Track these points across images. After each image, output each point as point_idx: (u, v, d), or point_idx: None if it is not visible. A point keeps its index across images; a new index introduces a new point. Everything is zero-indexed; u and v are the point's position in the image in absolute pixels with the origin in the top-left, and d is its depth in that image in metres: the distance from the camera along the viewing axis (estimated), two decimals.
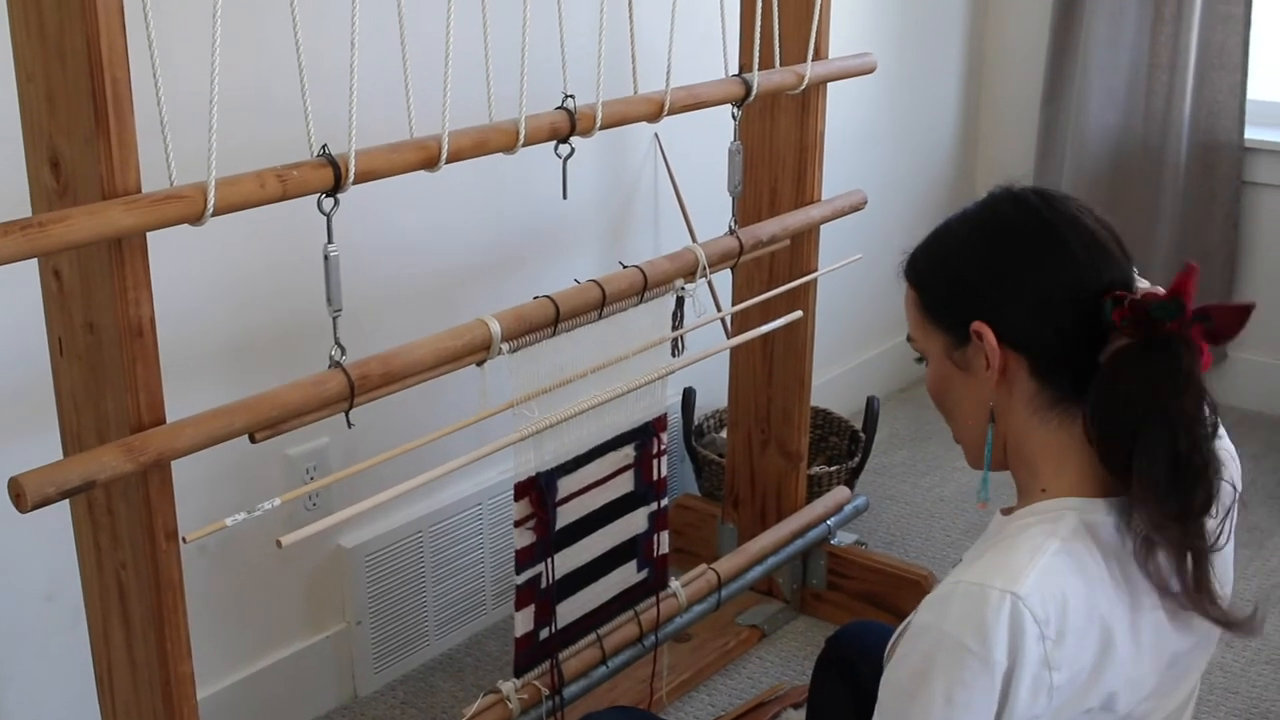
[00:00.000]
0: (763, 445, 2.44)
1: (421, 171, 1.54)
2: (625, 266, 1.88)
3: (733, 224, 2.07)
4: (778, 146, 2.27)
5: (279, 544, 1.48)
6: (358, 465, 1.59)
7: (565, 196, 1.76)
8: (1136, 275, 1.22)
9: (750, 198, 2.30)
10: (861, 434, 2.77)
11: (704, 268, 1.97)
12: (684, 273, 1.94)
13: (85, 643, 1.52)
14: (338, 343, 1.51)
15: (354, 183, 1.45)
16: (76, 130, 1.29)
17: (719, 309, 2.60)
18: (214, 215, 1.33)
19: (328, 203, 1.46)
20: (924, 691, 1.10)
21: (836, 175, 2.48)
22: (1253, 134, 3.32)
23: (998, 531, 1.21)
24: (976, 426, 1.24)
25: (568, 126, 1.71)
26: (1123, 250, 1.21)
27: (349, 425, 1.53)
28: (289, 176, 1.39)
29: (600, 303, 1.80)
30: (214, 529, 1.41)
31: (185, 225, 1.32)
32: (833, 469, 2.63)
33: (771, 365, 2.38)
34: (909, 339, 1.29)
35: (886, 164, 3.36)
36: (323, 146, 1.44)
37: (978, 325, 1.19)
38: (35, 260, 1.36)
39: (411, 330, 1.71)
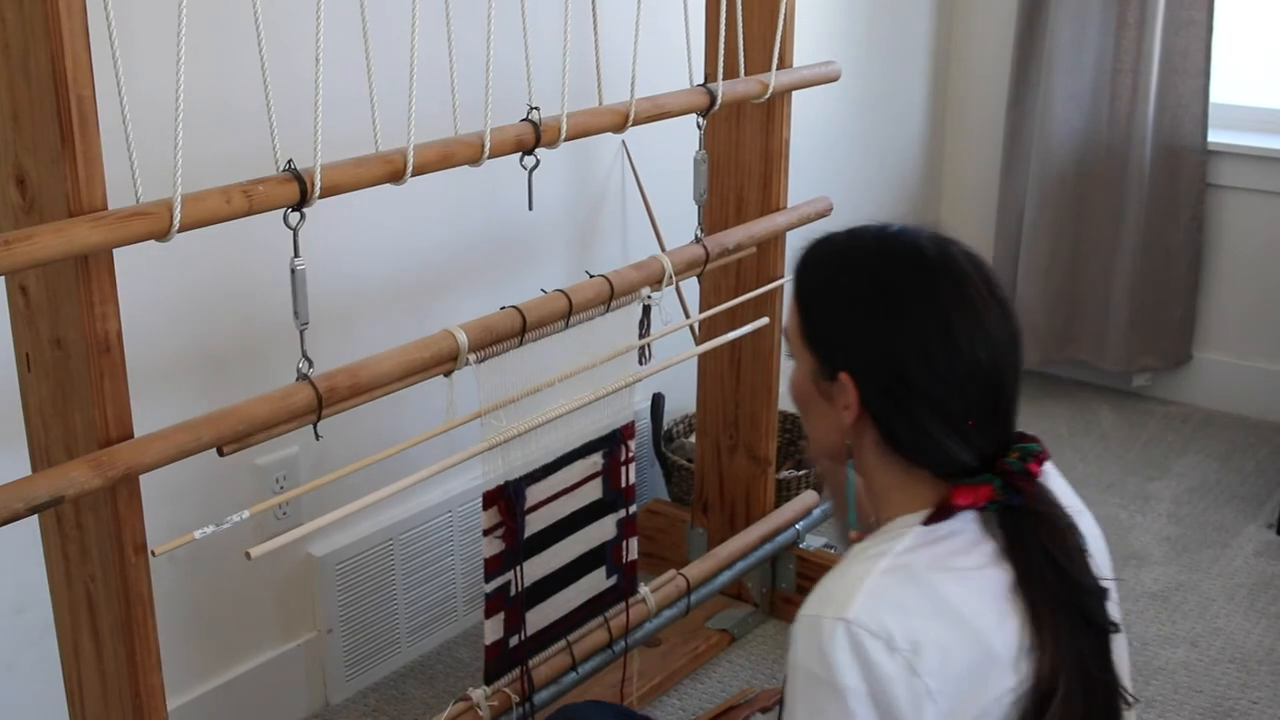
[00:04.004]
0: (731, 450, 2.46)
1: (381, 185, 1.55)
2: (592, 276, 1.90)
3: (699, 232, 2.08)
4: (743, 154, 2.29)
5: (248, 555, 1.49)
6: (326, 477, 1.60)
7: (531, 208, 1.78)
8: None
9: (716, 205, 2.32)
10: None
11: (670, 276, 1.98)
12: (650, 281, 1.96)
13: (56, 656, 1.53)
14: (305, 355, 1.52)
15: (319, 197, 1.46)
16: (42, 148, 1.30)
17: (687, 316, 2.61)
18: (180, 231, 1.34)
19: (294, 217, 1.47)
20: None
21: (802, 182, 2.50)
22: (1216, 137, 3.37)
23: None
24: (830, 448, 1.26)
25: (533, 139, 1.72)
26: (1010, 335, 1.19)
27: (317, 438, 1.54)
28: (254, 192, 1.40)
29: (567, 312, 1.82)
30: (182, 542, 1.42)
31: (151, 241, 1.34)
32: (801, 473, 2.65)
33: (739, 371, 2.41)
34: (785, 334, 1.28)
35: (853, 170, 3.38)
36: (288, 161, 1.45)
37: (844, 377, 1.19)
38: (1, 277, 1.37)
39: (378, 341, 1.73)
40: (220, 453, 1.45)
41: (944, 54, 3.71)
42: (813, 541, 2.53)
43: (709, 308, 2.30)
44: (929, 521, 1.17)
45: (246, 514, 1.49)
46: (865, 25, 3.34)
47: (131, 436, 1.39)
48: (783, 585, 2.50)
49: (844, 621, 1.10)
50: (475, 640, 2.44)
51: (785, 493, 2.59)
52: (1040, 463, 1.19)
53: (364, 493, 1.63)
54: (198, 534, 1.43)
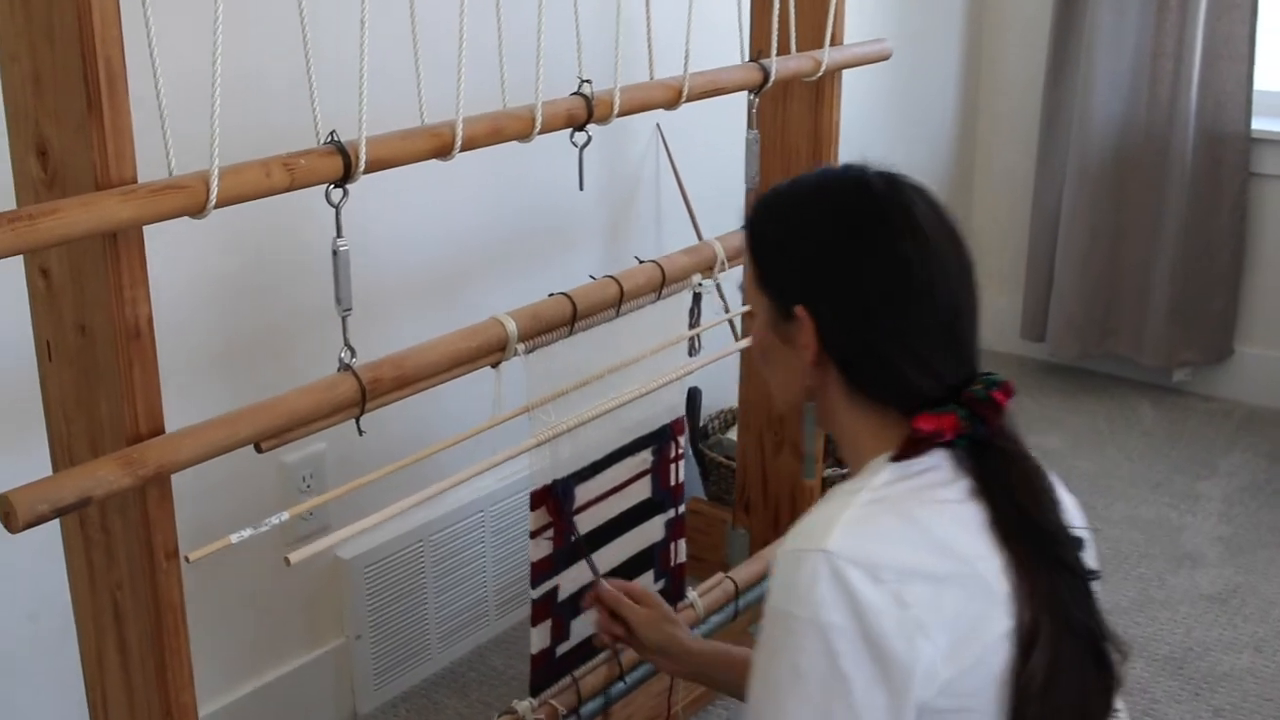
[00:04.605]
0: (776, 448, 2.34)
1: (414, 165, 1.43)
2: (641, 261, 1.79)
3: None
4: (790, 136, 2.18)
5: (288, 561, 1.38)
6: (364, 478, 1.48)
7: (581, 188, 1.67)
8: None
9: (762, 189, 2.20)
10: None
11: (723, 262, 1.87)
12: (702, 268, 1.85)
13: (73, 665, 1.42)
14: (347, 344, 1.41)
15: (364, 172, 1.35)
16: (66, 115, 1.18)
17: (727, 308, 2.50)
18: (216, 207, 1.23)
19: (336, 194, 1.36)
20: (772, 671, 1.06)
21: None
22: (1259, 125, 3.27)
23: None
24: (792, 395, 1.23)
25: (584, 113, 1.61)
26: (961, 263, 1.15)
27: (360, 433, 1.43)
28: (296, 165, 1.29)
29: (618, 300, 1.71)
30: (218, 547, 1.30)
31: (180, 219, 1.22)
32: (844, 470, 2.53)
33: None
34: (741, 288, 1.21)
35: (879, 154, 3.26)
36: (331, 133, 1.34)
37: (799, 310, 1.15)
38: (19, 258, 1.26)
39: (405, 330, 1.62)
40: (258, 449, 1.34)
41: (977, 35, 3.60)
42: None
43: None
44: (899, 457, 1.11)
45: (285, 516, 1.38)
46: (895, 5, 3.23)
47: (162, 431, 1.28)
48: None
49: (824, 553, 1.03)
50: (509, 646, 2.33)
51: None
52: (1006, 393, 1.13)
53: (396, 491, 1.51)
54: (234, 538, 1.32)
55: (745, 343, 2.09)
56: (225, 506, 1.86)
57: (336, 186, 1.35)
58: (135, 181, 1.20)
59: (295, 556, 1.39)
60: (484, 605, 2.33)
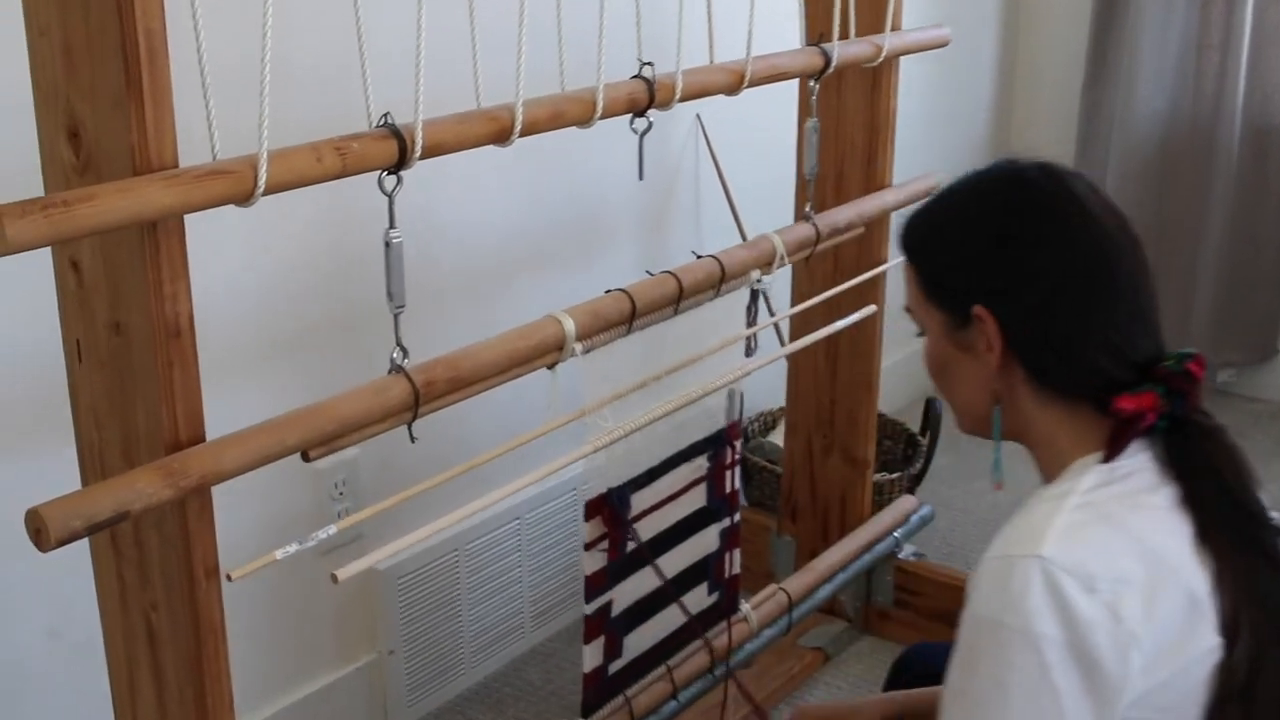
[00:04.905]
0: (825, 451, 2.24)
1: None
2: (699, 256, 1.68)
3: (810, 210, 1.87)
4: (846, 126, 2.08)
5: (334, 578, 1.28)
6: (405, 492, 1.36)
7: (641, 177, 1.57)
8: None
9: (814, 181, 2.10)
10: (920, 437, 2.58)
11: (782, 256, 1.77)
12: (761, 263, 1.75)
13: (98, 685, 1.31)
14: (399, 345, 1.30)
15: (420, 157, 1.25)
16: (101, 93, 1.08)
17: (772, 311, 2.40)
18: (265, 194, 1.12)
19: (389, 181, 1.25)
20: (973, 684, 1.03)
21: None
22: None
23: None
24: (977, 404, 1.19)
25: (646, 98, 1.51)
26: (1130, 239, 1.14)
27: (412, 440, 1.32)
28: (349, 149, 1.18)
29: (677, 297, 1.61)
30: (263, 563, 1.20)
31: (222, 208, 1.12)
32: (894, 476, 2.44)
33: (836, 365, 2.19)
34: (907, 309, 1.23)
35: (908, 152, 3.14)
36: (384, 115, 1.23)
37: (979, 310, 1.13)
38: (46, 249, 1.15)
39: (450, 326, 1.51)
40: (306, 458, 1.24)
41: (1013, 27, 3.49)
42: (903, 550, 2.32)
43: (802, 295, 2.08)
44: (1108, 455, 1.09)
45: (333, 529, 1.27)
46: None
47: (203, 439, 1.18)
48: (879, 599, 2.29)
49: (1039, 559, 1.00)
50: (545, 659, 2.23)
51: (876, 497, 2.38)
52: (1200, 365, 1.11)
53: (435, 497, 1.40)
54: (279, 554, 1.21)
55: (811, 339, 1.96)
56: (254, 513, 1.76)
57: (390, 173, 1.25)
58: (176, 166, 1.10)
59: (342, 574, 1.29)
60: (520, 616, 2.22)
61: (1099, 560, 1.01)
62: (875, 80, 2.04)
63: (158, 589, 1.22)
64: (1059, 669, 0.99)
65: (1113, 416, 1.09)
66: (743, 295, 1.74)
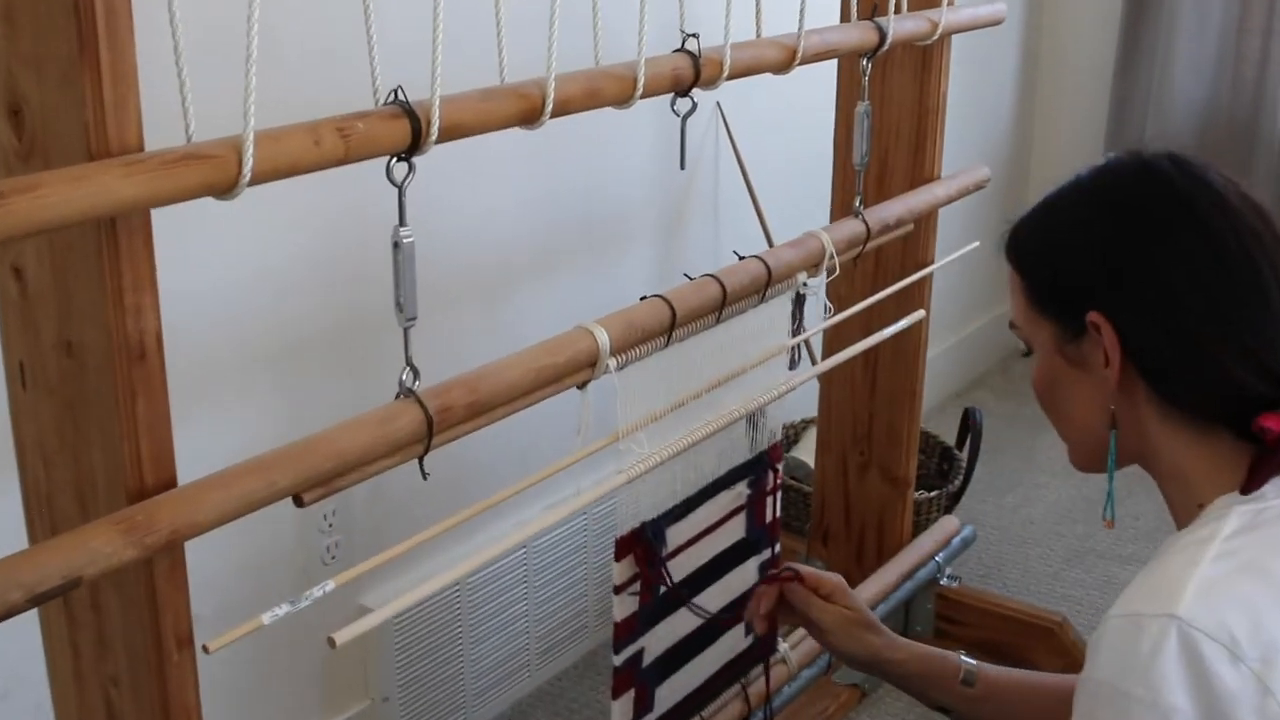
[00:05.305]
0: (861, 470, 2.05)
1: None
2: (742, 257, 1.48)
3: (859, 205, 1.67)
4: (892, 110, 1.89)
5: (332, 643, 1.07)
6: (417, 537, 1.15)
7: (683, 166, 1.37)
8: None
9: (852, 173, 1.90)
10: (956, 450, 2.39)
11: (831, 255, 1.58)
12: (809, 264, 1.55)
13: None
14: (410, 364, 1.10)
15: (437, 141, 1.04)
16: (49, 61, 0.89)
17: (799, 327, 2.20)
18: (251, 184, 0.92)
19: (399, 169, 1.05)
20: None
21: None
22: None
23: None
24: (1092, 430, 1.06)
25: (691, 75, 1.30)
26: (1275, 236, 1.00)
27: (424, 476, 1.12)
28: (353, 130, 0.98)
29: (720, 303, 1.41)
30: (248, 629, 1.00)
31: (197, 201, 0.91)
32: (932, 495, 2.24)
33: (875, 376, 2.00)
34: (1012, 325, 1.11)
35: None
36: (393, 91, 1.03)
37: (1094, 317, 1.00)
38: None
39: (453, 336, 1.30)
40: (299, 502, 1.03)
41: (1038, 8, 3.30)
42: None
43: (839, 299, 1.88)
44: (1247, 485, 0.96)
45: (330, 585, 1.07)
46: None
47: (174, 482, 0.97)
48: (918, 628, 2.10)
49: (1175, 620, 0.88)
50: (552, 700, 2.03)
51: (915, 517, 2.19)
52: None
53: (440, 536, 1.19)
54: (266, 618, 1.01)
55: (856, 349, 1.75)
56: (229, 548, 1.55)
57: (400, 160, 1.04)
58: (142, 149, 0.89)
59: (340, 637, 1.09)
60: (524, 654, 2.02)
61: (1246, 622, 0.88)
62: (925, 60, 1.84)
63: (119, 661, 1.02)
64: None
65: (1254, 440, 0.96)
66: (777, 301, 1.53)
